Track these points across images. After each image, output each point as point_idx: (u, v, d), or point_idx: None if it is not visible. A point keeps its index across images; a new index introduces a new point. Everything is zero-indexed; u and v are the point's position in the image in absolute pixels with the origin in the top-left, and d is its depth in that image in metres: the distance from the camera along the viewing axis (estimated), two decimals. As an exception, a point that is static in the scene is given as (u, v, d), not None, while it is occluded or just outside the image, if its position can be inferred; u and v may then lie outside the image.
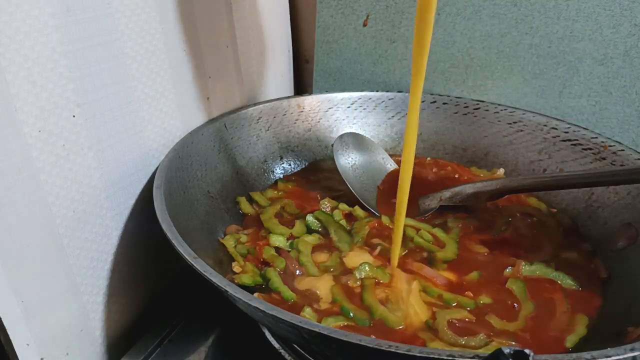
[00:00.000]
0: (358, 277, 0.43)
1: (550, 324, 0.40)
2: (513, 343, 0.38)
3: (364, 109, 0.66)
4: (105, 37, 0.42)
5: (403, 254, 0.47)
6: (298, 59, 0.76)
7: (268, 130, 0.61)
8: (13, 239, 0.37)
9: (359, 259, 0.46)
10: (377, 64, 0.70)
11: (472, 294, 0.43)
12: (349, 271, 0.45)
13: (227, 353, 0.48)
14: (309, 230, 0.51)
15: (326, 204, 0.54)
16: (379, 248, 0.47)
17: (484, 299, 0.42)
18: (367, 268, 0.44)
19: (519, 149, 0.60)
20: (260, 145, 0.61)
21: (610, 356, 0.28)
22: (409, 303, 0.41)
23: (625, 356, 0.28)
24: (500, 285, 0.44)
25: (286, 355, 0.43)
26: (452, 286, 0.44)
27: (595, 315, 0.41)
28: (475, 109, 0.63)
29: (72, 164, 0.41)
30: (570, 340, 0.39)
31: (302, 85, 0.79)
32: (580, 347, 0.38)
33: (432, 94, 0.65)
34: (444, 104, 0.64)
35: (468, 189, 0.53)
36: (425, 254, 0.47)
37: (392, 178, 0.59)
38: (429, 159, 0.64)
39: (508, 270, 0.45)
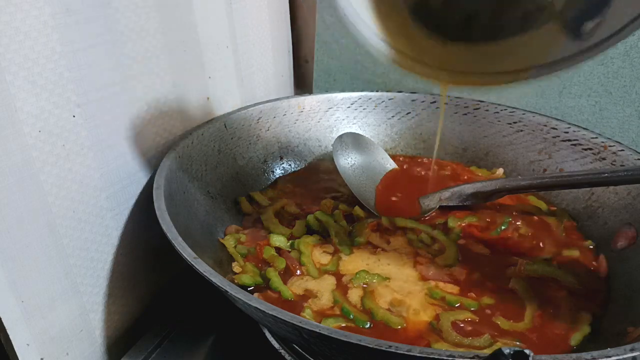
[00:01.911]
0: (356, 285, 0.43)
1: (554, 322, 0.40)
2: (517, 343, 0.38)
3: (364, 109, 0.65)
4: (105, 37, 0.42)
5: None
6: (298, 59, 0.76)
7: (268, 130, 0.61)
8: (13, 239, 0.37)
9: (359, 262, 0.46)
10: (377, 64, 0.69)
11: (475, 295, 0.43)
12: (349, 275, 0.45)
13: (227, 353, 0.48)
14: (310, 231, 0.51)
15: (326, 205, 0.54)
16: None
17: (487, 300, 0.42)
18: (364, 276, 0.44)
19: (519, 149, 0.60)
20: (260, 145, 0.61)
21: (610, 356, 0.28)
22: (412, 305, 0.41)
23: (625, 356, 0.28)
24: (503, 284, 0.44)
25: (286, 355, 0.43)
26: (459, 284, 0.44)
27: (598, 314, 0.41)
28: (475, 109, 0.63)
29: (72, 164, 0.41)
30: (575, 339, 0.39)
31: (302, 85, 0.79)
32: (584, 345, 0.38)
33: (432, 94, 0.65)
34: (444, 104, 0.64)
35: (467, 189, 0.53)
36: (430, 255, 0.47)
37: (390, 178, 0.59)
38: (429, 159, 0.64)
39: (510, 269, 0.45)
